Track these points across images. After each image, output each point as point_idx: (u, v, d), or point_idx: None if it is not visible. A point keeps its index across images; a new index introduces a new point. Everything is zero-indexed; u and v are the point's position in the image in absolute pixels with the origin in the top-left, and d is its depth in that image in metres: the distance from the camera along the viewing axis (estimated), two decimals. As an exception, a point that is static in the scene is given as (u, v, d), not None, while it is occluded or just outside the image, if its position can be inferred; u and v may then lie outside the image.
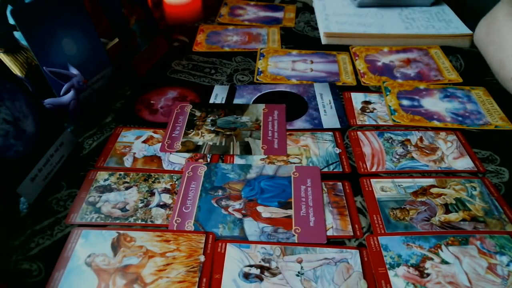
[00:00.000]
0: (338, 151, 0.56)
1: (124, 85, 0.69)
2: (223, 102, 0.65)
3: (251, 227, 0.46)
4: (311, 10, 0.94)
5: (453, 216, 0.47)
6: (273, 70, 0.73)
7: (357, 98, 0.66)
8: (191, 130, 0.59)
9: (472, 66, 0.74)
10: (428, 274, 0.41)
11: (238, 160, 0.55)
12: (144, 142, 0.58)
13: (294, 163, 0.54)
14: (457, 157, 0.55)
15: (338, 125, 0.60)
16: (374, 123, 0.61)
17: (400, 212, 0.47)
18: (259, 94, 0.67)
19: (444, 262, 0.42)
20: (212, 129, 0.60)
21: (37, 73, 0.58)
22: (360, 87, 0.69)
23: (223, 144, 0.57)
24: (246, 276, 0.41)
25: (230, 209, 0.48)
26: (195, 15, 0.89)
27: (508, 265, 0.42)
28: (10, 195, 0.47)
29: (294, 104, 0.64)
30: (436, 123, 0.60)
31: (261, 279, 0.41)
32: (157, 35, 0.76)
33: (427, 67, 0.73)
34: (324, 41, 0.81)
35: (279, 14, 0.92)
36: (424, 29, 0.80)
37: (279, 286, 0.40)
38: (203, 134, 0.59)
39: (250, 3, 0.97)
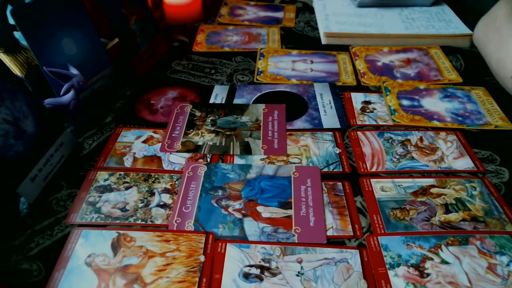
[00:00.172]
0: (338, 151, 0.56)
1: (124, 85, 0.69)
2: (223, 102, 0.65)
3: (251, 227, 0.46)
4: (311, 10, 0.94)
5: (453, 216, 0.47)
6: (273, 70, 0.73)
7: (357, 98, 0.66)
8: (191, 130, 0.59)
9: (472, 66, 0.74)
10: (428, 274, 0.41)
11: (238, 160, 0.55)
12: (144, 142, 0.58)
13: (294, 163, 0.54)
14: (457, 157, 0.55)
15: (338, 125, 0.60)
16: (374, 123, 0.61)
17: (400, 212, 0.47)
18: (259, 94, 0.67)
19: (444, 262, 0.42)
20: (212, 129, 0.60)
21: (37, 73, 0.58)
22: (360, 87, 0.69)
23: (223, 144, 0.57)
24: (246, 276, 0.41)
25: (230, 209, 0.48)
26: (195, 15, 0.89)
27: (508, 265, 0.42)
28: (10, 195, 0.47)
29: (294, 104, 0.64)
30: (436, 123, 0.60)
31: (261, 279, 0.41)
32: (157, 35, 0.76)
33: (427, 67, 0.73)
34: (324, 41, 0.81)
35: (279, 14, 0.92)
36: (424, 29, 0.80)
37: (279, 286, 0.40)
38: (203, 134, 0.59)
39: (250, 3, 0.97)
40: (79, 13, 0.60)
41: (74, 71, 0.57)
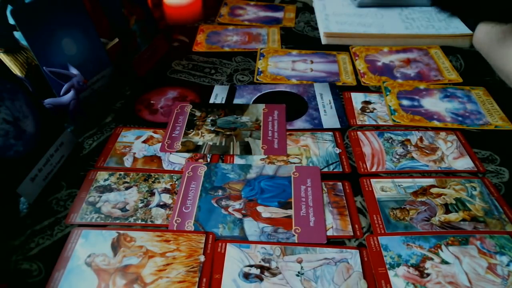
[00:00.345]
0: (338, 151, 0.56)
1: (124, 85, 0.69)
2: (223, 102, 0.65)
3: (251, 227, 0.46)
4: (311, 10, 0.94)
5: (453, 216, 0.47)
6: (273, 70, 0.73)
7: (357, 98, 0.66)
8: (191, 130, 0.59)
9: (472, 66, 0.74)
10: (428, 274, 0.41)
11: (238, 160, 0.55)
12: (144, 142, 0.58)
13: (294, 163, 0.54)
14: (457, 157, 0.55)
15: (338, 125, 0.60)
16: (374, 123, 0.61)
17: (400, 212, 0.47)
18: (259, 94, 0.67)
19: (444, 262, 0.42)
20: (212, 129, 0.60)
21: (37, 73, 0.58)
22: (360, 87, 0.69)
23: (223, 144, 0.57)
24: (246, 276, 0.41)
25: (230, 209, 0.48)
26: (195, 15, 0.89)
27: (508, 265, 0.42)
28: (10, 195, 0.47)
29: (294, 104, 0.64)
30: (436, 123, 0.60)
31: (261, 279, 0.41)
32: (157, 35, 0.76)
33: (427, 67, 0.73)
34: (324, 41, 0.81)
35: (279, 14, 0.92)
36: (424, 29, 0.80)
37: (279, 286, 0.40)
38: (203, 134, 0.59)
39: (250, 3, 0.97)
40: (79, 13, 0.60)
41: (74, 71, 0.57)
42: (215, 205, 0.48)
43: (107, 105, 0.65)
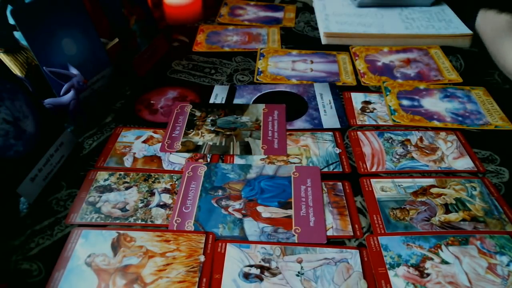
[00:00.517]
0: (338, 151, 0.56)
1: (124, 85, 0.69)
2: (223, 102, 0.65)
3: (251, 227, 0.46)
4: (311, 10, 0.94)
5: (453, 216, 0.47)
6: (273, 70, 0.73)
7: (357, 98, 0.66)
8: (191, 130, 0.59)
9: (472, 66, 0.74)
10: (428, 274, 0.41)
11: (238, 160, 0.55)
12: (144, 142, 0.58)
13: (294, 163, 0.54)
14: (457, 157, 0.55)
15: (338, 125, 0.60)
16: (374, 123, 0.61)
17: (400, 212, 0.47)
18: (259, 94, 0.67)
19: (444, 262, 0.42)
20: (212, 129, 0.60)
21: (37, 73, 0.58)
22: (360, 87, 0.69)
23: (223, 144, 0.57)
24: (246, 276, 0.41)
25: (230, 209, 0.48)
26: (195, 15, 0.89)
27: (508, 265, 0.42)
28: (10, 195, 0.47)
29: (294, 104, 0.64)
30: (436, 123, 0.60)
31: (261, 279, 0.41)
32: (157, 35, 0.76)
33: (427, 67, 0.73)
34: (324, 41, 0.81)
35: (279, 14, 0.92)
36: (424, 29, 0.80)
37: (279, 286, 0.40)
38: (203, 134, 0.59)
39: (250, 3, 0.97)
40: (79, 13, 0.60)
41: (74, 71, 0.57)
42: (215, 205, 0.48)
43: (107, 105, 0.65)
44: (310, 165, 0.54)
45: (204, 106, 0.64)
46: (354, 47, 0.79)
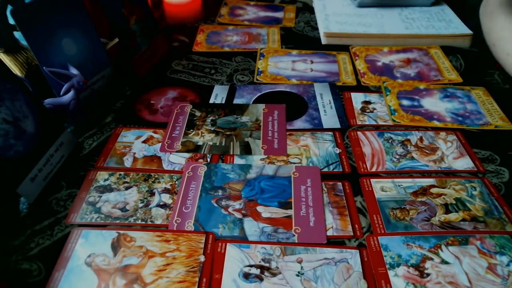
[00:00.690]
0: (338, 151, 0.56)
1: (124, 85, 0.69)
2: (223, 102, 0.65)
3: (251, 227, 0.46)
4: (311, 10, 0.94)
5: (453, 216, 0.47)
6: (273, 70, 0.73)
7: (357, 98, 0.66)
8: (191, 130, 0.59)
9: (472, 66, 0.74)
10: (428, 274, 0.41)
11: (238, 160, 0.55)
12: (144, 142, 0.58)
13: (294, 163, 0.54)
14: (457, 157, 0.55)
15: (338, 125, 0.60)
16: (374, 123, 0.61)
17: (400, 212, 0.47)
18: (259, 94, 0.67)
19: (444, 262, 0.42)
20: (212, 129, 0.60)
21: (37, 73, 0.58)
22: (360, 87, 0.69)
23: (223, 144, 0.57)
24: (246, 276, 0.41)
25: (230, 209, 0.48)
26: (195, 15, 0.89)
27: (508, 265, 0.42)
28: (10, 195, 0.47)
29: (294, 104, 0.64)
30: (436, 123, 0.60)
31: (261, 279, 0.41)
32: (157, 35, 0.76)
33: (427, 67, 0.73)
34: (324, 41, 0.81)
35: (279, 14, 0.92)
36: (424, 29, 0.80)
37: (279, 286, 0.40)
38: (203, 134, 0.59)
39: (250, 3, 0.97)
40: (79, 13, 0.60)
41: (74, 71, 0.57)
42: (215, 205, 0.48)
43: (107, 105, 0.65)
44: (310, 165, 0.54)
45: (204, 106, 0.64)
46: (354, 47, 0.79)
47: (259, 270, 0.42)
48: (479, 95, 0.66)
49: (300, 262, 0.42)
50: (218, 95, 0.67)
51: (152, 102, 0.66)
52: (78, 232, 0.45)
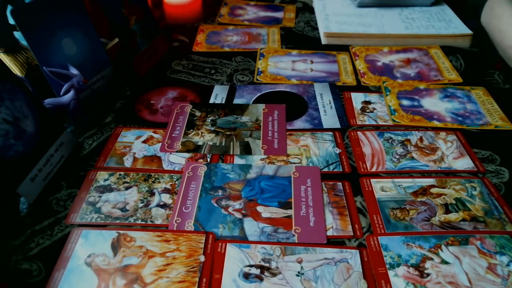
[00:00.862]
0: (338, 151, 0.56)
1: (124, 85, 0.69)
2: (223, 102, 0.65)
3: (251, 227, 0.46)
4: (311, 10, 0.94)
5: (453, 216, 0.47)
6: (273, 70, 0.73)
7: (357, 98, 0.66)
8: (191, 130, 0.59)
9: (472, 66, 0.74)
10: (428, 274, 0.41)
11: (238, 160, 0.55)
12: (144, 142, 0.58)
13: (294, 163, 0.54)
14: (457, 157, 0.55)
15: (338, 125, 0.60)
16: (374, 123, 0.61)
17: (400, 212, 0.47)
18: (259, 94, 0.67)
19: (444, 262, 0.42)
20: (212, 129, 0.60)
21: (37, 73, 0.58)
22: (360, 87, 0.69)
23: (223, 144, 0.57)
24: (246, 276, 0.41)
25: (230, 209, 0.48)
26: (195, 15, 0.89)
27: (508, 265, 0.42)
28: (10, 195, 0.47)
29: (294, 104, 0.64)
30: (436, 123, 0.60)
31: (261, 279, 0.41)
32: (157, 35, 0.76)
33: (427, 67, 0.73)
34: (324, 41, 0.81)
35: (279, 14, 0.92)
36: (424, 29, 0.80)
37: (279, 286, 0.40)
38: (203, 134, 0.59)
39: (250, 3, 0.97)
40: (79, 13, 0.60)
41: (74, 71, 0.57)
42: (215, 205, 0.48)
43: (107, 105, 0.65)
44: (310, 165, 0.54)
45: (204, 106, 0.64)
46: (354, 47, 0.79)
47: (259, 270, 0.42)
48: (479, 95, 0.66)
49: (300, 262, 0.42)
50: (218, 95, 0.67)
51: (152, 102, 0.66)
52: (78, 232, 0.45)
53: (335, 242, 0.45)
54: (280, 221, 0.47)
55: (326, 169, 0.53)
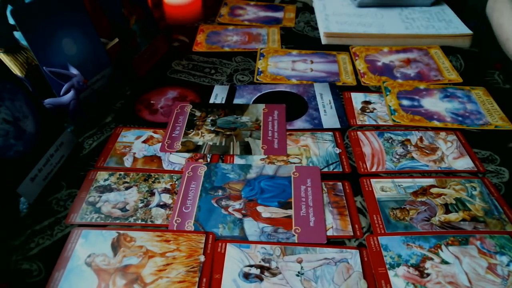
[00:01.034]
0: (338, 151, 0.56)
1: (124, 85, 0.69)
2: (223, 102, 0.65)
3: (251, 227, 0.46)
4: (311, 10, 0.94)
5: (453, 216, 0.47)
6: (273, 70, 0.73)
7: (357, 98, 0.66)
8: (191, 130, 0.59)
9: (472, 66, 0.74)
10: (428, 274, 0.41)
11: (238, 160, 0.55)
12: (144, 142, 0.58)
13: (294, 163, 0.54)
14: (457, 157, 0.55)
15: (338, 125, 0.60)
16: (374, 123, 0.61)
17: (400, 212, 0.47)
18: (259, 94, 0.67)
19: (444, 262, 0.42)
20: (212, 129, 0.60)
21: (37, 73, 0.58)
22: (360, 87, 0.69)
23: (223, 144, 0.57)
24: (246, 276, 0.41)
25: (230, 209, 0.48)
26: (195, 15, 0.89)
27: (508, 265, 0.42)
28: (10, 195, 0.47)
29: (294, 104, 0.64)
30: (436, 123, 0.60)
31: (261, 279, 0.41)
32: (157, 35, 0.76)
33: (427, 67, 0.73)
34: (324, 41, 0.81)
35: (279, 14, 0.92)
36: (424, 29, 0.80)
37: (279, 286, 0.40)
38: (203, 134, 0.59)
39: (250, 3, 0.97)
40: (79, 13, 0.60)
41: (74, 71, 0.57)
42: (215, 205, 0.48)
43: (107, 105, 0.65)
44: (310, 165, 0.54)
45: (204, 106, 0.64)
46: (354, 47, 0.79)
47: (259, 270, 0.42)
48: (479, 95, 0.66)
49: (300, 262, 0.42)
50: (218, 95, 0.67)
51: (152, 102, 0.66)
52: (78, 232, 0.45)
53: (335, 242, 0.45)
54: (280, 221, 0.47)
55: (326, 169, 0.53)
